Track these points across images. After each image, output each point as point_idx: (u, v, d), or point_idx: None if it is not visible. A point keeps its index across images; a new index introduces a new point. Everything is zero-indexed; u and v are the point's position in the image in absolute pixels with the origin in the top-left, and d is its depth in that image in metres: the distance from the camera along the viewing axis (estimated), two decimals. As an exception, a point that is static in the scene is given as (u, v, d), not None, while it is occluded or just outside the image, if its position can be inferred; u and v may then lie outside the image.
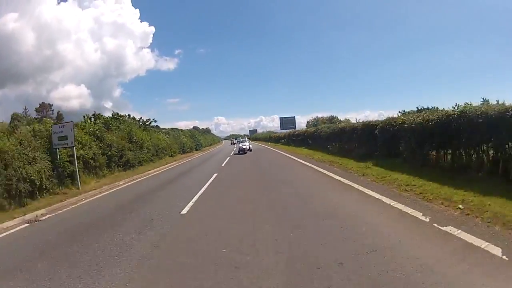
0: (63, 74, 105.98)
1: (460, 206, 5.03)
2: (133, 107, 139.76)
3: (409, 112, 17.36)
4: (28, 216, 7.90)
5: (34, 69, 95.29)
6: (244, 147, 28.65)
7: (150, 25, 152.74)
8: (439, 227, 4.36)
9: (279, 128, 70.71)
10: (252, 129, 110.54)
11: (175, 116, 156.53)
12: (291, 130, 47.79)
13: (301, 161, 16.48)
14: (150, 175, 16.55)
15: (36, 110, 52.72)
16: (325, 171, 11.45)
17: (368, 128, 13.30)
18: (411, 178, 7.56)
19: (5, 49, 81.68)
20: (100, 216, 7.56)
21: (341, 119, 48.80)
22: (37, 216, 8.01)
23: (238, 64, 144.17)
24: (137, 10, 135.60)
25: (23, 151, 9.89)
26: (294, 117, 70.68)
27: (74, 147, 11.93)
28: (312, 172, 12.07)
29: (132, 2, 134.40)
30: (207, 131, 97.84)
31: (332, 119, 52.31)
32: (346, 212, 5.69)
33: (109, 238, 5.40)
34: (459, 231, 4.12)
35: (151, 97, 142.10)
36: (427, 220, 4.75)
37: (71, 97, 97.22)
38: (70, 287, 3.61)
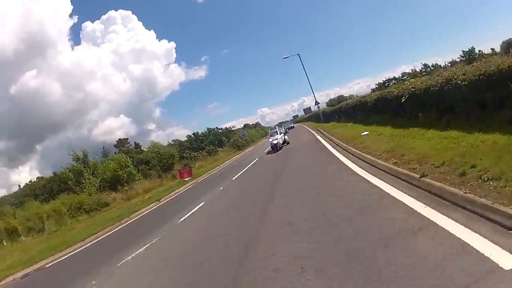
0: (99, 111, 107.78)
1: None
2: (176, 122, 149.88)
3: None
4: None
5: (69, 115, 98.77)
6: (275, 142, 20.07)
7: (169, 41, 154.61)
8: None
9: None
10: (294, 114, 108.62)
11: (219, 119, 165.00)
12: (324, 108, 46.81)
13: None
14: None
15: (115, 146, 58.29)
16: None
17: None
18: None
19: (33, 105, 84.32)
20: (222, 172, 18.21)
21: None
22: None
23: (262, 55, 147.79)
24: (152, 31, 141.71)
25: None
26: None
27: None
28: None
29: (144, 25, 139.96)
30: (257, 125, 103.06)
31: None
32: None
33: (222, 179, 15.77)
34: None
35: (190, 108, 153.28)
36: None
37: (114, 129, 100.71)
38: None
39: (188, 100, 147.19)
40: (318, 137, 20.20)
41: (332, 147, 13.31)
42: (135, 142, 59.77)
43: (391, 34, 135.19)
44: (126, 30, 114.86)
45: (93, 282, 6.05)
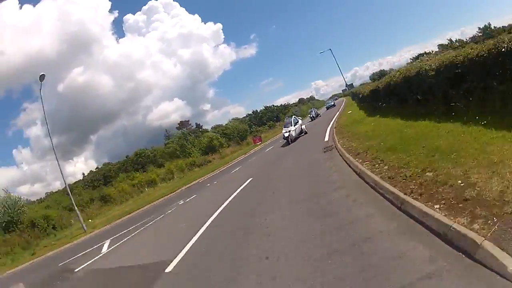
0: (152, 97, 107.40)
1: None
2: (231, 101, 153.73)
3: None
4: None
5: (122, 104, 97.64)
6: (286, 134, 18.63)
7: (215, 23, 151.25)
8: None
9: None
10: (349, 83, 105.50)
11: (274, 95, 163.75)
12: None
13: None
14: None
15: (177, 128, 60.27)
16: None
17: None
18: None
19: (84, 99, 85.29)
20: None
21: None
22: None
23: (310, 27, 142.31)
24: (196, 15, 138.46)
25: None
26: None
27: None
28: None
29: (187, 11, 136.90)
30: (311, 98, 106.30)
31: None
32: None
33: (277, 143, 25.32)
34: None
35: (244, 85, 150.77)
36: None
37: (169, 113, 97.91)
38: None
39: (241, 78, 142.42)
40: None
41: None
42: (196, 123, 64.74)
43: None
44: (169, 17, 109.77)
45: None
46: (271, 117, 67.73)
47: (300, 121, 20.92)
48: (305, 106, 76.65)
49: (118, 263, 7.42)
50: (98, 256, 8.99)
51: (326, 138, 13.75)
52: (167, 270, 5.25)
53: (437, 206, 3.46)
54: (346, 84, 38.33)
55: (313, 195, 6.07)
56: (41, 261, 13.48)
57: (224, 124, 54.94)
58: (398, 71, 11.55)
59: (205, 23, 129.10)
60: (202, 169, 29.05)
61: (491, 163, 3.79)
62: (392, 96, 11.60)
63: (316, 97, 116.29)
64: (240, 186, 10.51)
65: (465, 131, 5.54)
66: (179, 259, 5.60)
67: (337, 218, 4.49)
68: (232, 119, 71.87)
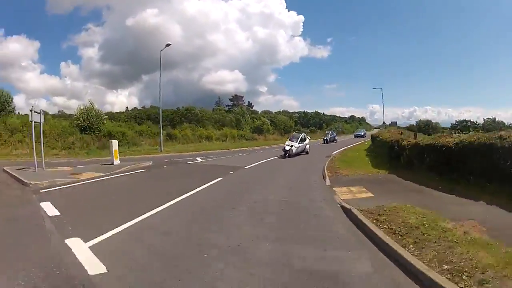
0: (215, 61, 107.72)
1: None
2: (288, 92, 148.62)
3: None
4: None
5: (185, 57, 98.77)
6: (287, 148, 18.98)
7: (298, 14, 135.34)
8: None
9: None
10: (394, 120, 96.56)
11: (332, 101, 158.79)
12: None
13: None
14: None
15: (230, 100, 66.09)
16: None
17: None
18: None
19: (150, 40, 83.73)
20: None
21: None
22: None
23: (390, 52, 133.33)
24: (283, 0, 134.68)
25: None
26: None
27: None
28: None
29: None
30: (362, 120, 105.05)
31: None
32: None
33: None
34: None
35: (306, 82, 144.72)
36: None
37: (225, 81, 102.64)
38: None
39: (305, 75, 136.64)
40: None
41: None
42: (248, 101, 68.29)
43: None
44: None
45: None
46: (317, 122, 74.45)
47: (307, 141, 21.75)
48: (348, 125, 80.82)
49: (213, 163, 16.05)
50: (197, 161, 17.71)
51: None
52: (245, 167, 13.61)
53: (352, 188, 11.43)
54: (383, 122, 44.17)
55: (299, 179, 14.13)
56: (125, 159, 17.13)
57: (274, 112, 63.32)
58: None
59: (288, 11, 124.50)
60: (249, 142, 37.70)
61: None
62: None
63: (368, 120, 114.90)
64: (275, 156, 18.65)
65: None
66: (250, 166, 13.95)
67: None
68: (283, 111, 78.98)
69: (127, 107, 56.06)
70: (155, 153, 24.66)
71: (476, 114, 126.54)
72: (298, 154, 19.15)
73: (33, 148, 11.99)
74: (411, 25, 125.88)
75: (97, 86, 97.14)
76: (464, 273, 3.11)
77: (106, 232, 4.64)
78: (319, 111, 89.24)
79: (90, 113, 28.02)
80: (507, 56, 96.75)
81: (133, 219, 5.38)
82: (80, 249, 4.00)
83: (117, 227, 4.92)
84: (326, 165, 12.89)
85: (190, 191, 7.94)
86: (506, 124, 50.70)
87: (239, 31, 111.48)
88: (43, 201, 6.77)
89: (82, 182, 9.63)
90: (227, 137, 40.23)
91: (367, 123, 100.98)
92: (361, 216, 5.22)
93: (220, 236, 4.62)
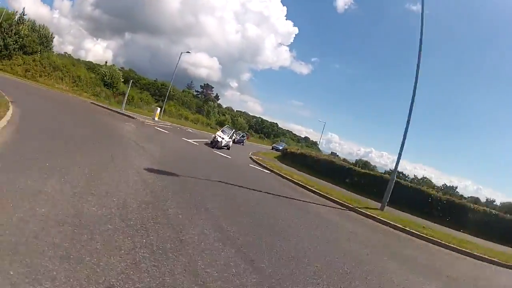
0: (199, 42, 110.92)
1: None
2: (256, 95, 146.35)
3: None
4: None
5: (172, 29, 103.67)
6: (218, 139, 19.56)
7: (294, 25, 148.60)
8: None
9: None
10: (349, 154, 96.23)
11: (295, 118, 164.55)
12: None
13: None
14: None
15: (201, 87, 75.46)
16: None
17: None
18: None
19: (150, 4, 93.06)
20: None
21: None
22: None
23: (366, 89, 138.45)
24: (285, 8, 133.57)
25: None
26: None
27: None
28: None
29: None
30: (314, 144, 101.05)
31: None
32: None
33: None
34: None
35: (276, 92, 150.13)
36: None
37: (201, 65, 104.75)
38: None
39: (279, 85, 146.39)
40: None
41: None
42: (216, 94, 77.63)
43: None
44: None
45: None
46: (270, 132, 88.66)
47: (235, 139, 28.03)
48: (294, 143, 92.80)
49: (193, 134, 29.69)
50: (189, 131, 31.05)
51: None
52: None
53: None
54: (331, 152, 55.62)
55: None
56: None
57: (235, 110, 75.90)
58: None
59: (286, 19, 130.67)
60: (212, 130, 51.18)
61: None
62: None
63: (323, 147, 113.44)
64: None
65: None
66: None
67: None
68: (244, 112, 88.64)
69: (106, 62, 61.53)
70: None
71: (430, 174, 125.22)
72: (221, 147, 19.67)
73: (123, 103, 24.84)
74: (402, 72, 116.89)
75: (80, 29, 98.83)
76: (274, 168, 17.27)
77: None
78: (276, 123, 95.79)
79: (115, 72, 39.45)
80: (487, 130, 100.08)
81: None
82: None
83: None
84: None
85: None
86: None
87: (232, 22, 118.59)
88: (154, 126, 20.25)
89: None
90: (198, 122, 53.24)
91: (318, 148, 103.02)
92: (254, 159, 19.97)
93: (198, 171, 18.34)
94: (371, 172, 19.37)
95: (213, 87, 77.78)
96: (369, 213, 10.64)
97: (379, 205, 12.30)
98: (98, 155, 7.08)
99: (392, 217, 10.96)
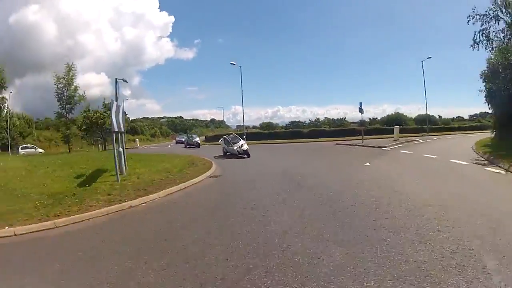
0: (84, 63, 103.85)
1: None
2: (151, 95, 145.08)
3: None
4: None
5: (55, 59, 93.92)
6: (245, 148, 17.35)
7: (169, 14, 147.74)
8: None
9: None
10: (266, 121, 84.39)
11: (194, 104, 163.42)
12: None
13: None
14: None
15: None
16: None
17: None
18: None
19: (27, 39, 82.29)
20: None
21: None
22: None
23: (255, 54, 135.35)
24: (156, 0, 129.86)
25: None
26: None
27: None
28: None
29: None
30: (222, 122, 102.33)
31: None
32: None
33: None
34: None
35: (170, 85, 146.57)
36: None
37: (92, 85, 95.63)
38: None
39: (170, 77, 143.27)
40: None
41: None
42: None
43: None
44: None
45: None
46: (183, 128, 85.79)
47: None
48: (208, 129, 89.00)
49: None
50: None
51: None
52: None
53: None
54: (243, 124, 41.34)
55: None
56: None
57: (140, 118, 73.79)
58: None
59: (160, 11, 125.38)
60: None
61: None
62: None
63: (231, 121, 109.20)
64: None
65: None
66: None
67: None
68: (150, 118, 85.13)
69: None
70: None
71: (345, 111, 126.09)
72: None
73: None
74: (278, 28, 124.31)
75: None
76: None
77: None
78: (182, 116, 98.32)
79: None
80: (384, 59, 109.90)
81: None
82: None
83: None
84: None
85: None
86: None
87: (109, 31, 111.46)
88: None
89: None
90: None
91: (227, 125, 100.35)
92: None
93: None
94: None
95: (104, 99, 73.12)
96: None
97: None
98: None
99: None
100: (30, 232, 5.20)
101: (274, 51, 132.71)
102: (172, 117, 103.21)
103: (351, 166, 12.06)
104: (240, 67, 36.27)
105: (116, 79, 12.19)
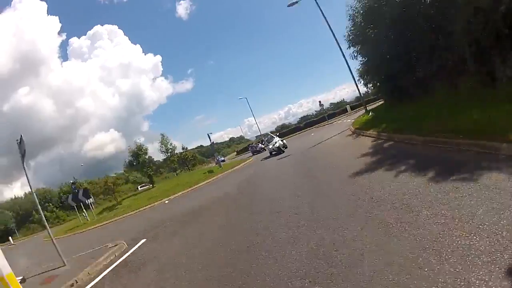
0: (89, 126, 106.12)
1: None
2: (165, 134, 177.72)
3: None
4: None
5: (61, 131, 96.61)
6: (277, 145, 18.93)
7: (155, 55, 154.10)
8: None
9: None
10: (281, 123, 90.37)
11: (206, 130, 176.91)
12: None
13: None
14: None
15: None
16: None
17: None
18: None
19: (26, 121, 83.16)
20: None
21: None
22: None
23: (249, 62, 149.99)
24: (138, 45, 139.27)
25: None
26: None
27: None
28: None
29: (130, 40, 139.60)
30: (241, 138, 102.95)
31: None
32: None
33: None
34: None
35: (178, 120, 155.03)
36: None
37: (104, 144, 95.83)
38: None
39: (176, 112, 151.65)
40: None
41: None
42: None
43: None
44: (112, 45, 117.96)
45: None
46: (211, 153, 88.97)
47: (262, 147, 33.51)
48: (230, 149, 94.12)
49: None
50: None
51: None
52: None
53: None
54: (260, 132, 50.78)
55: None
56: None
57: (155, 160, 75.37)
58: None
59: (145, 54, 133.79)
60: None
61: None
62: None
63: (248, 135, 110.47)
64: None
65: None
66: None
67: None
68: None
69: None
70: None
71: (353, 88, 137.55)
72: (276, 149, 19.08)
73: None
74: (257, 36, 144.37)
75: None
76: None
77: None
78: (200, 145, 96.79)
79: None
80: None
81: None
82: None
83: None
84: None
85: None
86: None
87: (104, 89, 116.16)
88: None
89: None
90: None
91: (246, 139, 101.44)
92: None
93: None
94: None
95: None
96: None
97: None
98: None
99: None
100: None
101: (266, 54, 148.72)
102: (193, 148, 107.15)
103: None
104: (246, 98, 47.26)
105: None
